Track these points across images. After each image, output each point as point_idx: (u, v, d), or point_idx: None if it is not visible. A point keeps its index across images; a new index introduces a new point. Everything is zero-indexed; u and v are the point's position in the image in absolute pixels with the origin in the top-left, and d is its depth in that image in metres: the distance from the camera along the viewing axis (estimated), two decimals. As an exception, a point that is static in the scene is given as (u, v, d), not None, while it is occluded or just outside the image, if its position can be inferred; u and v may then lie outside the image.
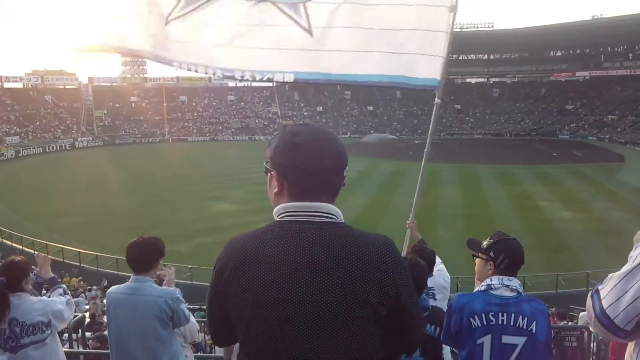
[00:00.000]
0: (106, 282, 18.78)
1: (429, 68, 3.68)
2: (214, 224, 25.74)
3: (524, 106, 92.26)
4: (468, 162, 50.63)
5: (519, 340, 2.54)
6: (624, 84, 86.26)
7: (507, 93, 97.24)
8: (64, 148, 70.54)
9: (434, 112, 3.98)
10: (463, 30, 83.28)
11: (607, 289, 1.54)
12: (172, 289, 3.50)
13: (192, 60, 3.60)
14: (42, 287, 4.04)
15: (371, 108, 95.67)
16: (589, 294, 1.61)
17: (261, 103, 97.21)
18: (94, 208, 31.86)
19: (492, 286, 2.64)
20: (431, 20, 3.59)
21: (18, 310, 3.29)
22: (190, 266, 18.68)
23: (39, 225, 27.64)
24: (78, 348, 5.87)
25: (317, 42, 3.51)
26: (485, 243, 2.79)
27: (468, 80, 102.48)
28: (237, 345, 1.59)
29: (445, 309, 3.22)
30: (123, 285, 3.43)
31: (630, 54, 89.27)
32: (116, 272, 19.24)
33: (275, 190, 1.58)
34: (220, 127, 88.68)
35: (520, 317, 2.55)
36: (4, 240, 25.27)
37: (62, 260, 21.72)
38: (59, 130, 77.40)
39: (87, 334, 7.11)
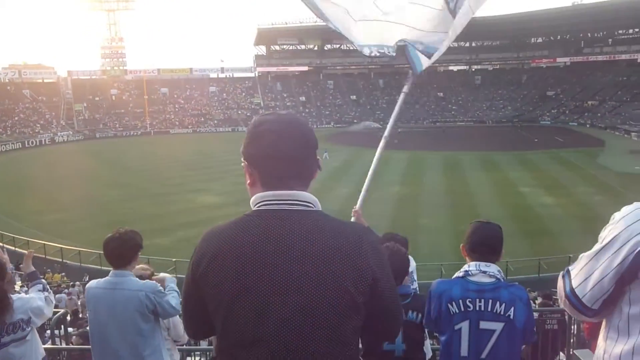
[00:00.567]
0: (87, 277, 18.57)
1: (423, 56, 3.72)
2: (198, 216, 25.58)
3: (505, 93, 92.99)
4: (451, 149, 50.88)
5: (497, 326, 2.57)
6: (604, 69, 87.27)
7: (489, 80, 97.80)
8: (43, 143, 69.28)
9: (399, 100, 3.92)
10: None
11: (577, 269, 1.57)
12: (153, 282, 3.49)
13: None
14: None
15: (354, 97, 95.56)
16: (560, 274, 1.64)
17: (243, 94, 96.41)
18: (75, 203, 31.46)
19: (470, 272, 2.67)
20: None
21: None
22: (174, 259, 18.58)
23: (20, 221, 27.25)
24: (61, 344, 5.82)
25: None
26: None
27: (450, 68, 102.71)
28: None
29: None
30: (102, 280, 3.42)
31: (610, 40, 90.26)
32: (99, 267, 19.07)
33: (249, 181, 1.58)
34: (202, 119, 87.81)
35: (498, 303, 2.57)
36: (-16, 238, 24.86)
37: (44, 256, 21.46)
38: (39, 125, 76.05)
39: (70, 330, 7.06)
